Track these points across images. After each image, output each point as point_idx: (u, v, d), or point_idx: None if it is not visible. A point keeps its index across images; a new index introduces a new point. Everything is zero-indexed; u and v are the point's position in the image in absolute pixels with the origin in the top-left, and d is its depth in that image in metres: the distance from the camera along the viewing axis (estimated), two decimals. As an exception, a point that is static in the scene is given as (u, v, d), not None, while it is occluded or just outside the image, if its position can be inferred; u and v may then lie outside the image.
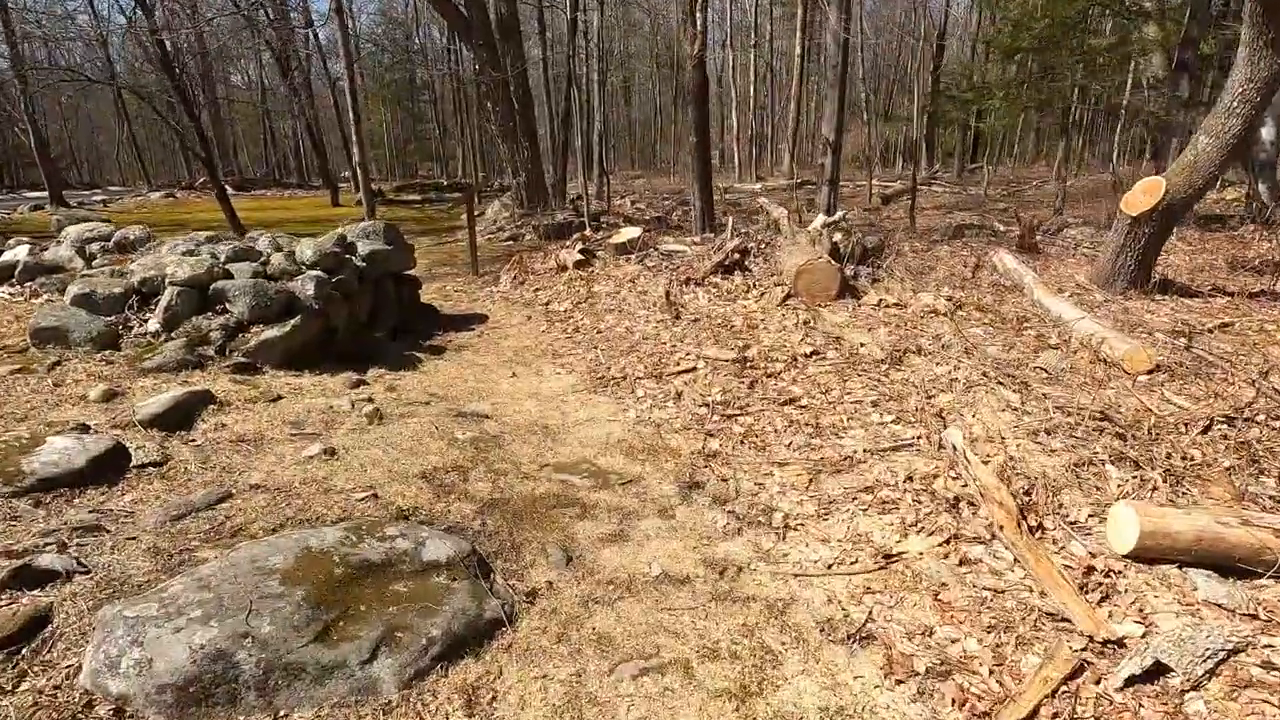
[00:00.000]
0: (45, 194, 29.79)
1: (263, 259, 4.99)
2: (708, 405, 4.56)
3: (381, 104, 38.82)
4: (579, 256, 8.62)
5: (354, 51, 14.56)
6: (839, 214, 7.87)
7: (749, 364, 5.17)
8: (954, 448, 3.58)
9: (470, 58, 15.81)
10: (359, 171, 12.78)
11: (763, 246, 7.61)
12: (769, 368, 5.11)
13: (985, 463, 3.50)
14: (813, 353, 5.33)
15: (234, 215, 15.51)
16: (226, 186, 30.25)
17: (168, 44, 14.83)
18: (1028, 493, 3.26)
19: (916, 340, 5.55)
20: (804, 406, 4.46)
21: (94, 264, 5.90)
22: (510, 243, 12.80)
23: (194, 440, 3.29)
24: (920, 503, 3.27)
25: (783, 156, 27.68)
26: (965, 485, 3.34)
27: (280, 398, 3.98)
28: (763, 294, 6.97)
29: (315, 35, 25.56)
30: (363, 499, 2.93)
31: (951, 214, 17.72)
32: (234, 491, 2.84)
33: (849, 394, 4.58)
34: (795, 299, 6.79)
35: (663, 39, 38.42)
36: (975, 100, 11.87)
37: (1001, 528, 2.98)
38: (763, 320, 6.31)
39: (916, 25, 30.52)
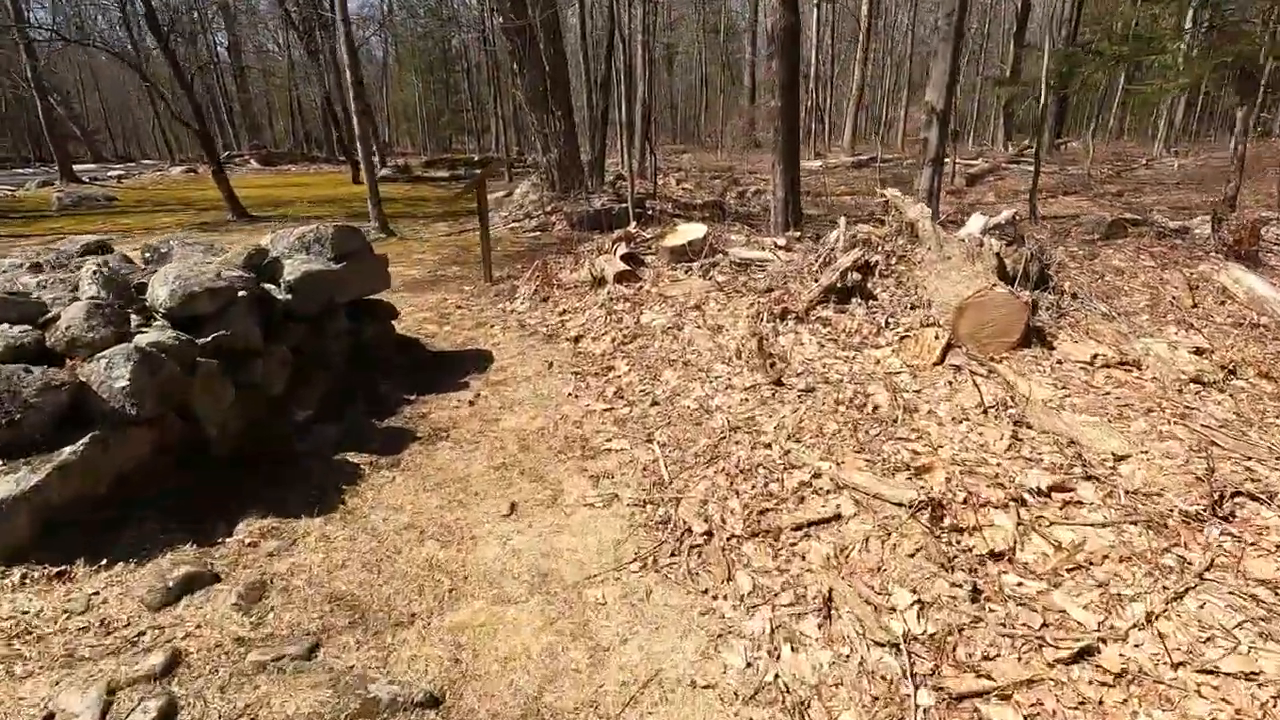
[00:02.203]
0: (87, 168, 28.27)
1: (46, 314, 2.66)
2: (897, 646, 2.13)
3: (414, 74, 36.44)
4: (622, 265, 6.18)
5: (347, 10, 12.01)
6: (1005, 213, 5.26)
7: (943, 517, 2.71)
8: None
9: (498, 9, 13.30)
10: (360, 146, 10.49)
11: (891, 260, 5.06)
12: (987, 528, 2.64)
13: None
14: (1052, 489, 2.84)
15: (232, 195, 13.47)
16: (250, 160, 28.48)
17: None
18: None
19: (1236, 458, 3.02)
20: (1121, 675, 2.00)
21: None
22: (537, 234, 10.39)
23: None
24: None
25: (843, 131, 24.57)
26: None
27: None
28: (902, 338, 4.46)
29: (338, -3, 23.13)
30: None
31: (1056, 198, 14.75)
32: None
33: (1200, 634, 2.10)
34: (958, 349, 4.28)
35: (709, 3, 35.15)
36: (1128, 57, 8.94)
37: None
38: (920, 392, 3.83)
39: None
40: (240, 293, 3.26)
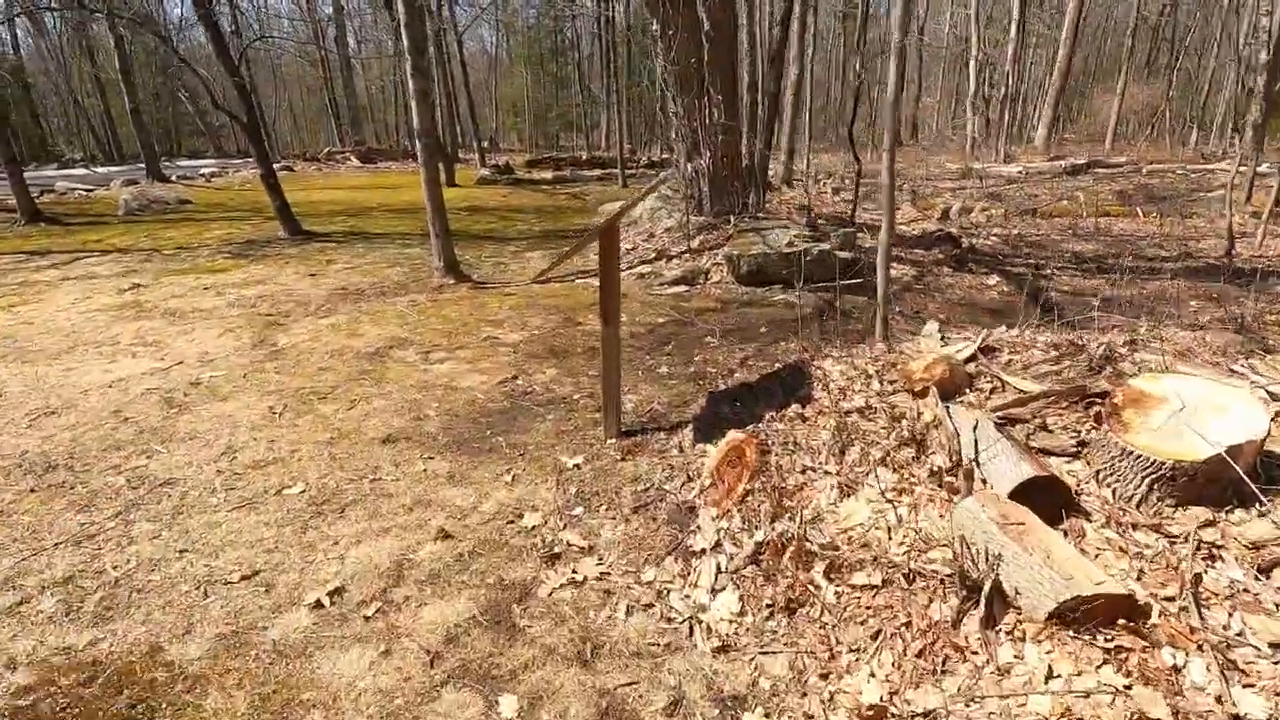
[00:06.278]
0: (198, 163, 26.79)
1: None
2: None
3: (524, 66, 33.12)
4: (1058, 543, 1.86)
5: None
6: None
7: None
8: None
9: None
10: (419, 144, 6.66)
11: None
12: None
13: None
14: None
15: (284, 206, 10.15)
16: (351, 157, 25.86)
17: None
18: None
19: None
20: None
21: None
22: (684, 290, 6.20)
23: None
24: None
25: (1034, 127, 18.89)
26: None
27: None
28: None
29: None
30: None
31: None
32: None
33: None
34: None
35: (850, -18, 29.56)
36: None
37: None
38: None
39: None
40: None
